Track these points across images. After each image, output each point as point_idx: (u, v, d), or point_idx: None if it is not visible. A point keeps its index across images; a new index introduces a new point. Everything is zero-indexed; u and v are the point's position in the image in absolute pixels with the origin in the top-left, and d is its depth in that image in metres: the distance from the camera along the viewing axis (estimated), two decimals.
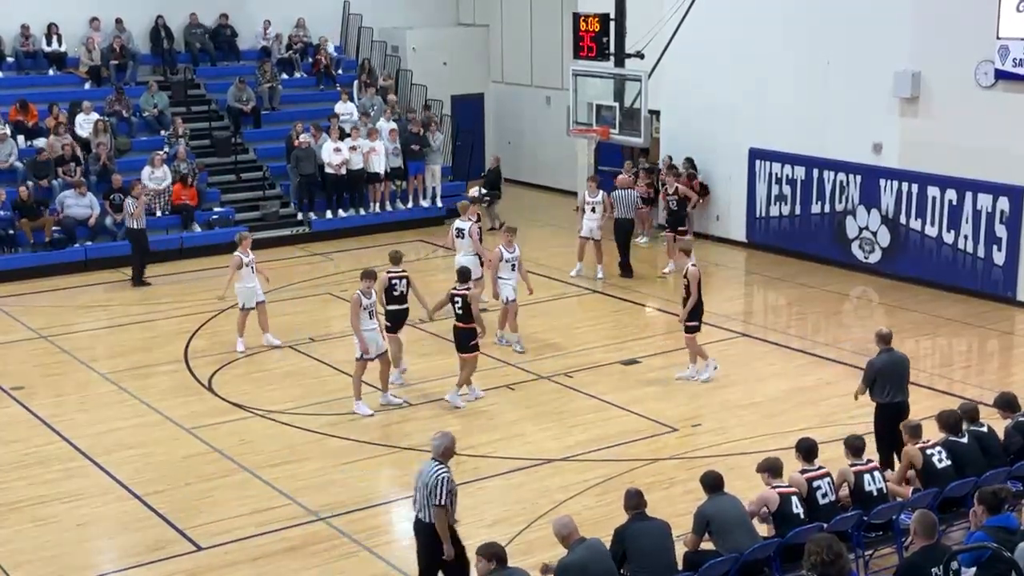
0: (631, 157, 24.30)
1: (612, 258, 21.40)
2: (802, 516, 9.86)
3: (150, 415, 14.91)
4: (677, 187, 21.54)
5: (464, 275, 15.04)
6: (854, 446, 10.53)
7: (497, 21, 30.11)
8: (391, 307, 15.36)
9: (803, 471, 10.19)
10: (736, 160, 22.91)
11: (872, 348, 12.57)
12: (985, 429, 11.23)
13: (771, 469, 10.06)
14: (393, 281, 15.27)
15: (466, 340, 14.77)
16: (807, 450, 10.29)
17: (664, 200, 22.15)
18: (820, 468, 10.23)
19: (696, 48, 22.65)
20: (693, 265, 15.41)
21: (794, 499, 9.89)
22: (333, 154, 23.89)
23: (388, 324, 15.37)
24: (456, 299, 14.73)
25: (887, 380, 12.12)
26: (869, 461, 10.62)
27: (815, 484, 10.09)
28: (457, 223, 18.39)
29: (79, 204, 22.03)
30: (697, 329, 15.62)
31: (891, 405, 12.07)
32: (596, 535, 9.34)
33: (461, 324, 14.77)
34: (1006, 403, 11.57)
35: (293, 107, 26.58)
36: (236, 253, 17.20)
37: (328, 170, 23.99)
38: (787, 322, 19.08)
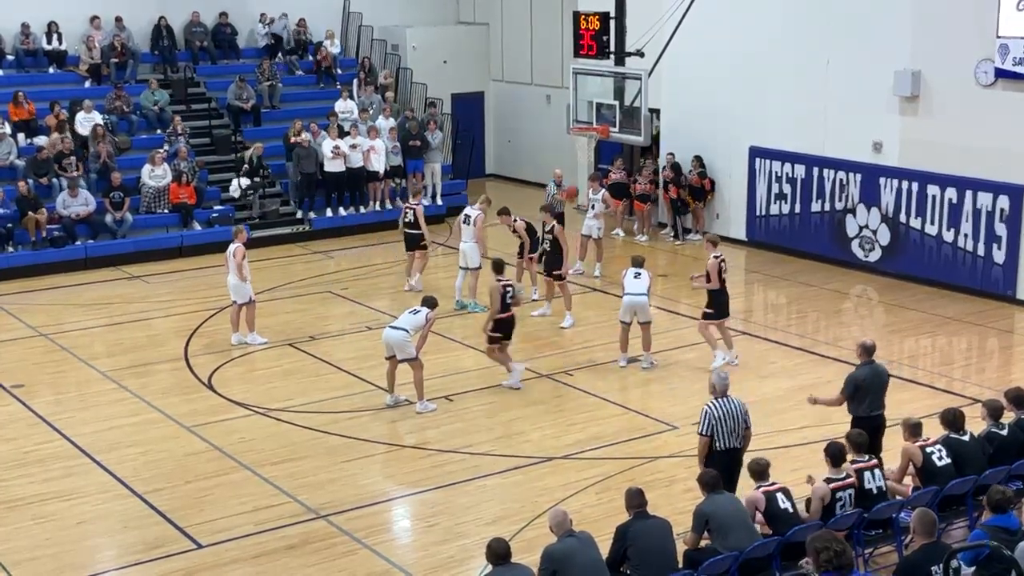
0: (630, 155, 24.31)
1: (611, 256, 21.42)
2: (790, 511, 9.93)
3: (150, 413, 14.91)
4: (554, 226, 18.39)
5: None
6: (856, 443, 10.54)
7: (497, 19, 30.10)
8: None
9: (828, 479, 10.19)
10: (736, 158, 22.90)
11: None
12: (1005, 432, 11.18)
13: (754, 472, 10.11)
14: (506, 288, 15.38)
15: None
16: (835, 455, 10.30)
17: (542, 238, 18.90)
18: (847, 477, 10.23)
19: (696, 46, 22.65)
20: (715, 257, 15.85)
21: (779, 496, 9.96)
22: (332, 151, 23.86)
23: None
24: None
25: (867, 393, 11.78)
26: (871, 458, 10.62)
27: (838, 494, 10.12)
28: (467, 209, 19.24)
29: (76, 204, 22.00)
30: (713, 317, 16.08)
31: (870, 418, 11.73)
32: (596, 533, 9.35)
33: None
34: (1018, 399, 11.54)
35: (293, 105, 26.59)
36: (240, 246, 17.13)
37: (327, 167, 23.97)
38: (787, 320, 19.09)
